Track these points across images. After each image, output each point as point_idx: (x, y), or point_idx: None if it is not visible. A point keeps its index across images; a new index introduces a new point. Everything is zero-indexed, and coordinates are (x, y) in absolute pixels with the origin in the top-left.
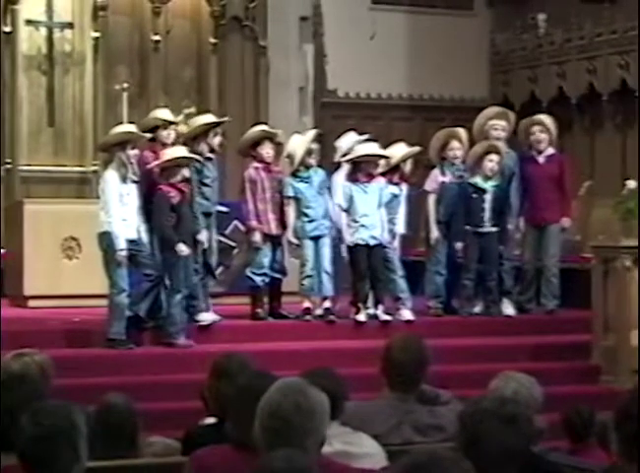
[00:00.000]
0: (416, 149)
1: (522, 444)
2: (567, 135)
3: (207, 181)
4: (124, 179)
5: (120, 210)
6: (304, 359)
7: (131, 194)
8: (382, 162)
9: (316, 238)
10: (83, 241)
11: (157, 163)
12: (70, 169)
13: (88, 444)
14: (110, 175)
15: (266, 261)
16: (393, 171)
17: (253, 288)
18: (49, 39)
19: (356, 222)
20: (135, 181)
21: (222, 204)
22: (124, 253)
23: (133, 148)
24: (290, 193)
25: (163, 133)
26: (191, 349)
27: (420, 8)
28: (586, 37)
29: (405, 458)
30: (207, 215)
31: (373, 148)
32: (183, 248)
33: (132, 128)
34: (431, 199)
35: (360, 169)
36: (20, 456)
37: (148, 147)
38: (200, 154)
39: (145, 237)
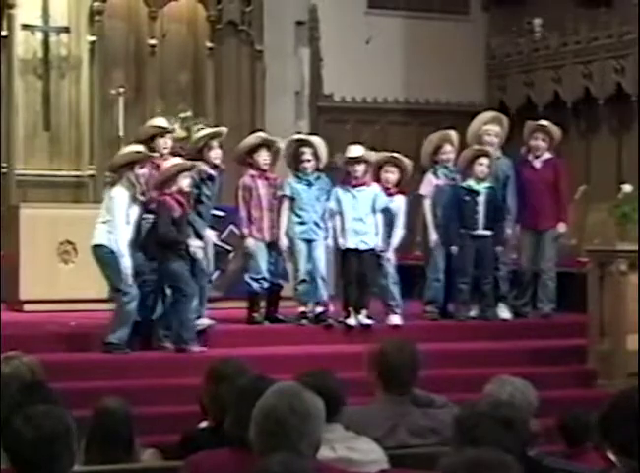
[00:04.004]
0: (385, 154)
1: (517, 448)
2: (563, 139)
3: (203, 199)
4: (133, 199)
5: (126, 229)
6: (300, 363)
7: (134, 214)
8: (360, 168)
9: (308, 242)
10: (79, 246)
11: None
12: (66, 174)
13: (84, 448)
14: (119, 194)
15: (263, 267)
16: (376, 179)
17: (251, 293)
18: (45, 44)
19: (346, 226)
20: (142, 202)
21: (218, 208)
22: (130, 271)
23: (141, 167)
24: (287, 192)
25: (160, 141)
26: (187, 353)
27: (416, 12)
28: (582, 42)
29: (462, 455)
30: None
31: (352, 151)
32: (196, 242)
33: (139, 148)
34: (427, 203)
35: (349, 175)
36: (13, 460)
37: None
38: (200, 172)
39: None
